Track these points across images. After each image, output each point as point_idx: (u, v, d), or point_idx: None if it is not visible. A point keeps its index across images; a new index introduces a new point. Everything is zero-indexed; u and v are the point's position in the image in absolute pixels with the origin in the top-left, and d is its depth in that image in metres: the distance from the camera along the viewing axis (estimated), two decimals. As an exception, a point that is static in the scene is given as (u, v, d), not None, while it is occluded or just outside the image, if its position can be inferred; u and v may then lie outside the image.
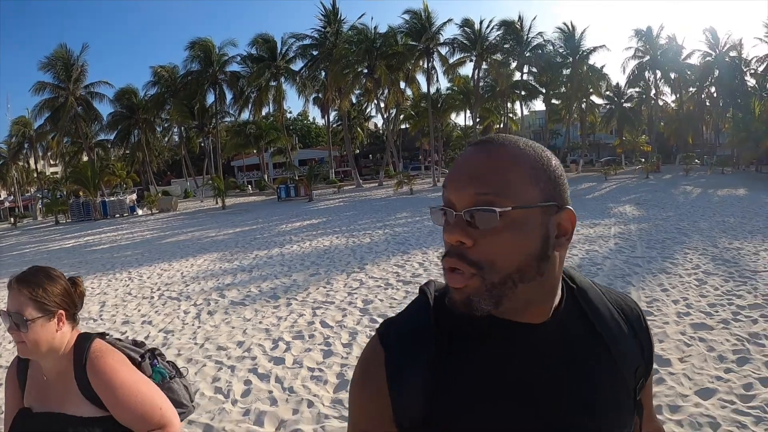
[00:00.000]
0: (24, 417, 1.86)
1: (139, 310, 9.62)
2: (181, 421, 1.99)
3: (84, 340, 1.86)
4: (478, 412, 0.92)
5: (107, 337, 1.99)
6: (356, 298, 8.84)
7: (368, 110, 69.32)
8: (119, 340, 2.04)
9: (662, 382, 4.87)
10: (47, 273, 1.87)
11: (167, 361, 2.12)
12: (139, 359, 1.97)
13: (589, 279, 1.12)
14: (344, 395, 5.16)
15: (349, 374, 5.65)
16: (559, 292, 1.00)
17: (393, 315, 1.06)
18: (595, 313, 1.03)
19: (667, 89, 60.22)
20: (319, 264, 12.47)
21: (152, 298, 10.57)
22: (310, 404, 4.99)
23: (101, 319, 9.22)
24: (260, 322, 7.94)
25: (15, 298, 1.77)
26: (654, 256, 10.69)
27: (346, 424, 4.19)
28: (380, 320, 7.11)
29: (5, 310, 1.77)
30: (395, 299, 8.58)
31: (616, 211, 19.69)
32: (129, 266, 15.29)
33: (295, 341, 6.88)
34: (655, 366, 5.23)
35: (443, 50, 46.94)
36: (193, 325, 8.22)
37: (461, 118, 74.65)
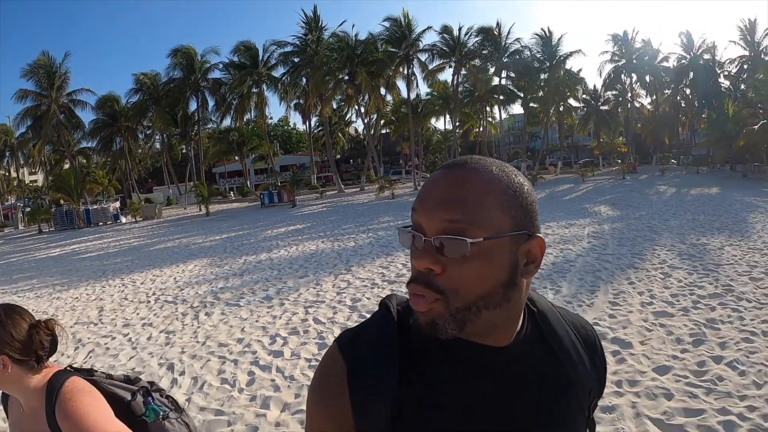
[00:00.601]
0: None
1: (137, 314, 10.07)
2: None
3: (58, 379, 1.77)
4: (440, 431, 0.93)
5: (96, 373, 1.90)
6: (345, 297, 9.41)
7: (349, 116, 69.75)
8: (110, 377, 1.94)
9: (623, 362, 5.48)
10: (5, 314, 1.77)
11: (166, 397, 2.03)
12: (129, 398, 1.88)
13: (547, 300, 1.14)
14: None
15: (344, 364, 6.20)
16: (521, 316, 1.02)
17: (351, 326, 1.07)
18: (555, 337, 1.05)
19: (643, 92, 61.35)
20: (308, 267, 12.98)
21: (149, 302, 11.02)
22: (310, 389, 5.53)
23: (102, 323, 9.66)
24: (257, 321, 8.48)
25: None
26: (624, 253, 11.35)
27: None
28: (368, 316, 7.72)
29: None
30: (381, 297, 9.12)
31: (592, 211, 20.37)
32: (121, 273, 15.68)
33: (291, 336, 7.43)
34: (616, 347, 5.86)
35: (423, 57, 47.87)
36: (192, 325, 8.72)
37: (441, 123, 75.23)
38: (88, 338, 8.69)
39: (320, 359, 1.03)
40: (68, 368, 1.84)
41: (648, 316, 6.98)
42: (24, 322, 1.78)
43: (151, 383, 2.00)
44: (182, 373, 6.47)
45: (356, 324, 1.10)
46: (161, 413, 1.91)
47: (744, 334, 6.17)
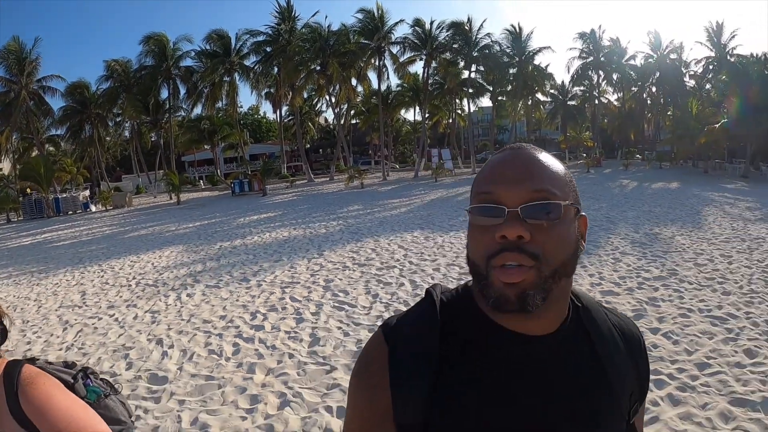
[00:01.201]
0: None
1: (120, 296, 10.55)
2: None
3: (13, 368, 1.76)
4: (477, 419, 0.93)
5: (37, 361, 1.89)
6: (319, 278, 10.02)
7: (319, 105, 69.71)
8: (50, 363, 1.95)
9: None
10: None
11: (101, 379, 2.05)
12: (72, 380, 1.89)
13: (593, 298, 1.14)
14: (318, 348, 6.37)
15: (320, 335, 6.84)
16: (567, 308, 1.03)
17: (397, 312, 1.07)
18: (598, 335, 1.04)
19: (610, 88, 62.49)
20: (281, 252, 13.55)
21: (130, 285, 11.48)
22: (291, 356, 6.17)
23: (86, 306, 10.11)
24: (237, 300, 9.06)
25: None
26: None
27: (322, 369, 5.37)
28: (342, 295, 8.39)
29: None
30: (352, 278, 9.82)
31: None
32: (98, 260, 16.02)
33: (270, 313, 8.02)
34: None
35: (394, 49, 48.14)
36: (176, 305, 9.26)
37: (411, 114, 75.73)
38: (75, 320, 9.15)
39: (365, 344, 1.09)
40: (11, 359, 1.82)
41: (595, 295, 7.70)
42: None
43: (86, 368, 2.00)
44: (171, 347, 7.02)
45: (397, 312, 1.12)
46: (101, 393, 1.94)
47: (682, 311, 6.93)
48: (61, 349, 7.62)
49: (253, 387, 5.46)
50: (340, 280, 9.76)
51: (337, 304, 8.22)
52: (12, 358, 1.81)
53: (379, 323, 6.98)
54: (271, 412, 4.94)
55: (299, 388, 5.37)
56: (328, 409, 4.91)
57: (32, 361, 1.84)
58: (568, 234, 0.94)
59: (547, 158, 0.98)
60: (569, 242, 0.94)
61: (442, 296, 1.07)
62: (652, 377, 4.89)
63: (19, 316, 10.01)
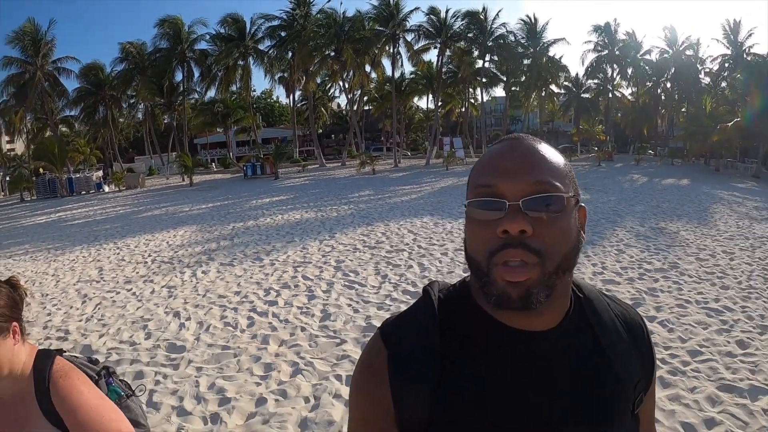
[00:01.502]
0: None
1: (137, 272, 10.88)
2: None
3: (44, 359, 1.76)
4: (480, 416, 0.93)
5: (65, 353, 1.89)
6: (330, 259, 10.33)
7: (332, 91, 69.75)
8: (75, 356, 1.96)
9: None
10: None
11: (120, 380, 2.05)
12: (96, 377, 1.89)
13: (594, 287, 1.12)
14: (329, 323, 6.69)
15: (331, 311, 7.14)
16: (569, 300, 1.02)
17: (394, 313, 1.07)
18: (601, 326, 1.03)
19: (624, 82, 62.09)
20: (294, 233, 13.87)
21: (146, 262, 11.81)
22: (303, 329, 6.49)
23: (104, 280, 10.45)
24: (251, 278, 9.39)
25: None
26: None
27: (332, 341, 5.67)
28: (352, 275, 8.68)
29: None
30: (362, 260, 10.14)
31: None
32: (113, 238, 16.36)
33: (283, 290, 8.33)
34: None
35: (409, 36, 48.11)
36: (191, 281, 9.59)
37: (424, 102, 75.74)
38: (93, 293, 9.49)
39: (365, 345, 1.09)
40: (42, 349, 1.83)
41: (596, 283, 7.96)
42: (3, 286, 1.74)
43: (108, 367, 2.00)
44: (188, 319, 7.35)
45: (397, 312, 1.13)
46: (123, 394, 1.95)
47: (679, 302, 7.19)
48: (80, 320, 7.96)
49: (267, 356, 5.78)
50: (351, 261, 10.06)
51: (347, 284, 8.52)
52: (42, 348, 1.82)
53: (388, 302, 7.33)
54: (284, 379, 5.26)
55: (311, 358, 5.67)
56: (338, 377, 5.22)
57: (60, 352, 1.85)
58: (570, 227, 0.93)
59: (546, 149, 0.97)
60: (571, 235, 0.93)
61: (440, 294, 1.06)
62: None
63: (38, 289, 10.35)
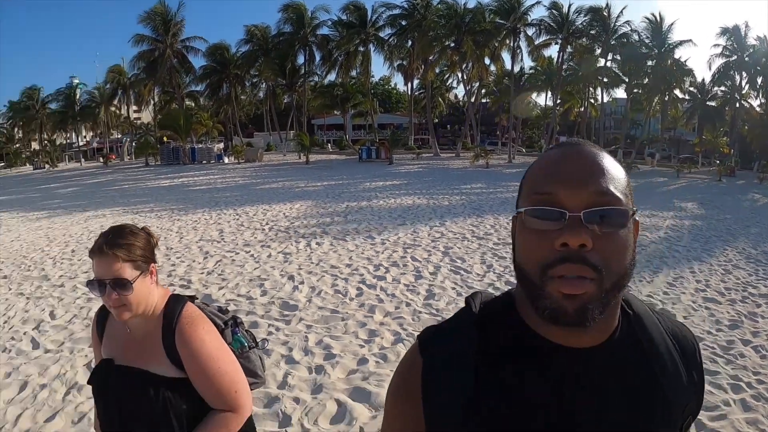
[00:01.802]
0: (107, 367, 1.90)
1: (255, 237, 11.63)
2: (253, 390, 2.07)
3: (176, 303, 1.89)
4: None
5: (196, 300, 2.01)
6: (438, 245, 10.57)
7: (450, 81, 69.67)
8: (206, 305, 2.06)
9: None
10: (131, 230, 1.86)
11: (246, 331, 2.13)
12: (222, 326, 1.99)
13: (644, 303, 1.07)
14: (433, 302, 6.96)
15: (436, 292, 7.40)
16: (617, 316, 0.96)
17: (437, 322, 1.09)
18: (651, 344, 0.98)
19: (753, 92, 58.12)
20: (405, 217, 14.24)
21: (264, 229, 12.59)
22: (408, 304, 6.80)
23: (224, 241, 11.28)
24: (362, 253, 9.84)
25: (110, 263, 1.74)
26: (695, 248, 11.80)
27: (434, 319, 5.95)
28: (459, 262, 8.94)
29: (99, 278, 1.74)
30: (470, 249, 10.27)
31: (678, 206, 20.26)
32: (233, 205, 17.42)
33: (392, 268, 8.69)
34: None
35: (530, 31, 47.53)
36: (306, 250, 10.19)
37: (542, 99, 74.18)
38: (215, 251, 10.31)
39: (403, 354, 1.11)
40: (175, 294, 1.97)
41: (698, 299, 7.77)
42: (142, 232, 1.89)
43: (236, 317, 2.10)
44: (302, 283, 7.87)
45: (438, 320, 1.09)
46: (246, 344, 2.04)
47: (778, 331, 6.90)
48: (202, 273, 8.75)
49: (372, 323, 6.15)
50: (459, 248, 10.24)
51: (453, 269, 8.72)
52: (175, 292, 1.96)
53: (491, 290, 7.52)
54: (386, 345, 5.60)
55: (412, 330, 5.97)
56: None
57: (192, 299, 1.97)
58: (629, 242, 0.88)
59: (608, 158, 0.92)
60: (630, 251, 0.88)
61: (483, 306, 1.03)
62: (729, 380, 5.13)
63: (163, 243, 11.37)
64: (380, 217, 14.31)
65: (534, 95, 62.95)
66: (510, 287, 1.05)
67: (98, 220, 15.97)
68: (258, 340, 2.16)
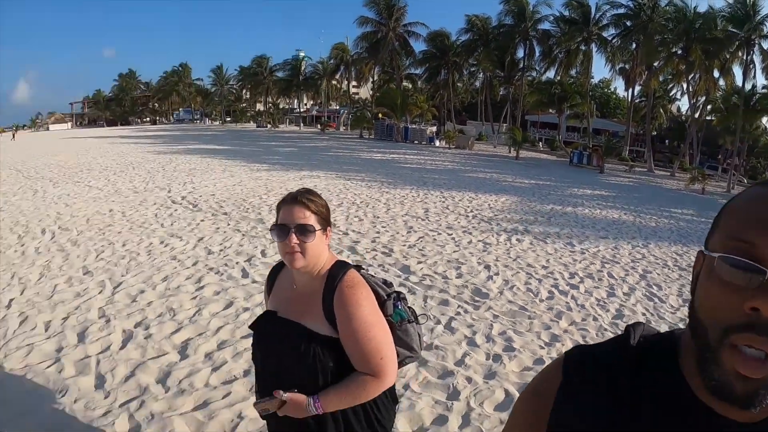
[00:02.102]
0: (268, 318, 2.10)
1: (458, 222, 12.46)
2: (406, 365, 2.21)
3: (340, 267, 2.01)
4: None
5: (362, 270, 2.11)
6: (638, 266, 10.33)
7: (674, 92, 65.49)
8: (372, 276, 2.15)
9: None
10: (318, 194, 2.03)
11: (408, 307, 2.21)
12: (385, 297, 2.08)
13: None
14: (621, 323, 6.95)
15: (626, 314, 7.32)
16: None
17: (589, 343, 1.01)
18: None
19: None
20: (608, 231, 14.01)
21: (468, 216, 13.36)
22: (595, 319, 6.91)
23: (428, 221, 12.26)
24: (560, 258, 10.04)
25: (300, 210, 1.91)
26: None
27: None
28: (655, 288, 8.94)
29: (284, 223, 1.92)
30: (669, 277, 9.86)
31: None
32: (440, 187, 18.44)
33: (587, 279, 8.80)
34: None
35: (766, 44, 41.83)
36: (505, 244, 10.70)
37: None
38: (418, 227, 11.37)
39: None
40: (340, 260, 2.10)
41: None
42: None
43: (400, 293, 2.19)
44: (496, 274, 8.38)
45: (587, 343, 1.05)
46: (406, 318, 2.11)
47: None
48: (404, 246, 9.66)
49: (556, 328, 6.38)
50: (658, 274, 9.93)
51: (648, 294, 8.51)
52: (341, 259, 2.09)
53: (681, 324, 7.38)
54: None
55: (595, 344, 6.13)
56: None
57: (358, 268, 2.09)
58: None
59: None
60: None
61: (642, 340, 0.94)
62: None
63: (371, 212, 12.59)
64: (583, 225, 14.28)
65: (765, 119, 57.30)
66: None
67: (312, 180, 17.59)
68: (418, 315, 2.27)
